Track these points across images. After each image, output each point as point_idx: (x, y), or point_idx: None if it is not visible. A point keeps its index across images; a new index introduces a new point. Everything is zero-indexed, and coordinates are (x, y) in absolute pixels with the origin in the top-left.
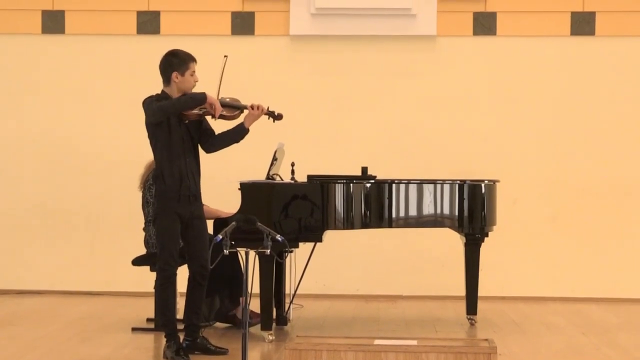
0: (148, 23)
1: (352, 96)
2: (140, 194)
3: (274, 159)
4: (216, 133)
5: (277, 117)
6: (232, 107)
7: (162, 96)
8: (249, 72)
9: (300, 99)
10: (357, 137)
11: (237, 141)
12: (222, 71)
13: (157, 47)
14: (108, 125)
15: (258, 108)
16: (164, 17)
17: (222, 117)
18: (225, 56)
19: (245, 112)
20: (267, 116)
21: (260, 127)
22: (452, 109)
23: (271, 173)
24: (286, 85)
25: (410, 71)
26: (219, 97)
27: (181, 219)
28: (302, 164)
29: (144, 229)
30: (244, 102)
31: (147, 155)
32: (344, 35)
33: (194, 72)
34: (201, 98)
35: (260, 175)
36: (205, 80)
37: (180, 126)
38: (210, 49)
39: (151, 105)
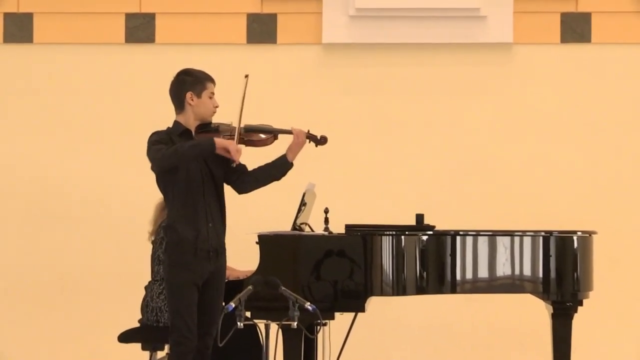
0: (140, 28)
1: (403, 122)
2: (148, 245)
3: (302, 204)
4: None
5: (320, 140)
6: (263, 132)
7: (174, 130)
8: (269, 90)
9: (336, 125)
10: (409, 175)
11: (278, 178)
12: (242, 96)
13: (151, 59)
14: (89, 161)
15: (299, 135)
16: (160, 20)
17: (250, 143)
18: (246, 76)
19: (283, 137)
20: (307, 140)
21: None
22: (534, 138)
23: (299, 222)
24: (317, 107)
25: (478, 89)
26: (241, 125)
27: (198, 279)
28: (339, 210)
29: (147, 287)
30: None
31: (139, 198)
32: (391, 43)
33: (212, 94)
34: (208, 145)
35: (284, 225)
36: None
37: (199, 160)
38: (220, 62)
39: (150, 151)
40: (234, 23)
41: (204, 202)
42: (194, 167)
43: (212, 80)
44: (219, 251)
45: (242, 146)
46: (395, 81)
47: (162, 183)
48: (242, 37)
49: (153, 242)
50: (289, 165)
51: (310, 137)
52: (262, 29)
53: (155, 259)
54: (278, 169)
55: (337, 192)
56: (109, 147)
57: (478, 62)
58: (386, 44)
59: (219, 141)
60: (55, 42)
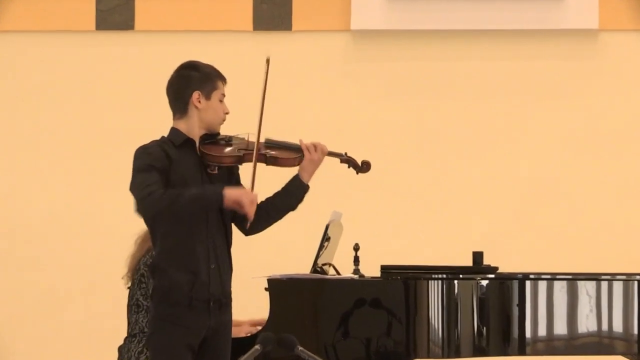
0: (115, 12)
1: (455, 132)
2: (125, 290)
3: (325, 238)
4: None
5: (360, 167)
6: (288, 149)
7: (173, 139)
8: (282, 90)
9: (368, 135)
10: (464, 200)
11: (294, 207)
12: (263, 92)
13: (130, 50)
14: (53, 179)
15: (316, 149)
16: (140, 1)
17: (274, 161)
18: (267, 60)
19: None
20: (346, 164)
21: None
22: (625, 152)
23: (320, 262)
24: (343, 112)
25: (554, 89)
26: (264, 139)
27: (193, 338)
28: (372, 247)
29: (121, 348)
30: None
31: (120, 227)
32: (440, 31)
33: (223, 96)
34: (215, 200)
35: (302, 266)
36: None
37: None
38: (218, 54)
39: (135, 180)
40: (237, 4)
41: (207, 235)
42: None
43: (223, 79)
44: (223, 302)
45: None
46: (446, 80)
47: None
48: (248, 22)
49: (130, 287)
50: (306, 189)
51: (348, 160)
52: (273, 12)
53: (132, 306)
54: (293, 195)
55: (370, 223)
56: (78, 161)
57: (554, 54)
58: (434, 32)
59: (230, 194)
60: (6, 29)
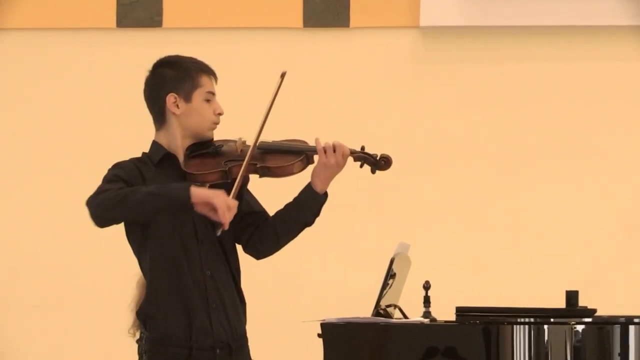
0: (139, 6)
1: (546, 145)
2: (132, 343)
3: (390, 275)
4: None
5: (377, 163)
6: (286, 153)
7: (152, 156)
8: (338, 96)
9: (439, 148)
10: (553, 227)
11: (310, 222)
12: (270, 102)
13: (156, 51)
14: (58, 206)
15: (335, 150)
16: None
17: (266, 172)
18: (282, 74)
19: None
20: (359, 163)
21: (358, 197)
22: None
23: (384, 303)
24: (411, 121)
25: None
26: (258, 142)
27: None
28: (446, 284)
29: None
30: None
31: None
32: (526, 27)
33: (212, 94)
34: (179, 198)
35: (362, 308)
36: (248, 114)
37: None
38: (262, 56)
39: (96, 192)
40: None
41: (201, 270)
42: (185, 217)
43: (209, 73)
44: (234, 346)
45: (235, 201)
46: (536, 85)
47: (133, 240)
48: (297, 17)
49: (138, 341)
50: (320, 199)
51: (362, 157)
52: (327, 6)
53: None
54: (305, 207)
55: (444, 256)
56: (94, 170)
57: None
58: (520, 28)
59: (198, 193)
60: (17, 27)
